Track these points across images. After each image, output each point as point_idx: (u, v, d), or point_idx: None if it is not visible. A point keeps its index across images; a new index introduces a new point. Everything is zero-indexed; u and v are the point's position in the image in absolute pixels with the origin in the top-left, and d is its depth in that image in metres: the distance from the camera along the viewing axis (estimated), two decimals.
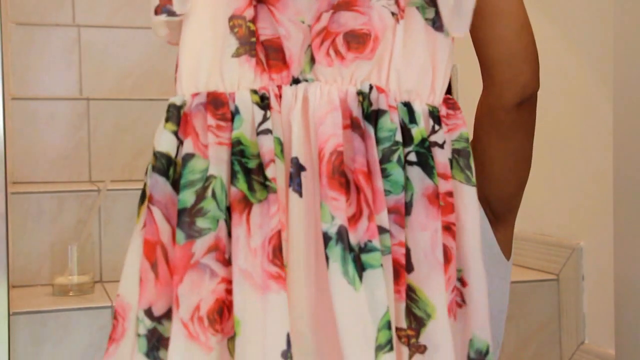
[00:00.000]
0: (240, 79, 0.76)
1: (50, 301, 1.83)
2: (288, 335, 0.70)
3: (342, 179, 0.72)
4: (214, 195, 0.73)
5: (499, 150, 1.06)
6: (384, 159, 0.73)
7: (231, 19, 0.77)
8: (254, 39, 0.77)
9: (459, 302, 0.77)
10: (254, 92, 0.76)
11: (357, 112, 0.74)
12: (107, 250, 2.02)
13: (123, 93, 2.51)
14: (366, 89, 0.74)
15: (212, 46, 0.76)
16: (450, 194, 0.75)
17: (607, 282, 1.71)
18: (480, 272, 0.75)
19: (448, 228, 0.74)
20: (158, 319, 0.73)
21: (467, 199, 0.75)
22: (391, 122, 0.73)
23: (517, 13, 0.96)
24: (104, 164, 2.31)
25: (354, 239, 0.71)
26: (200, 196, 0.72)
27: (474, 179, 0.75)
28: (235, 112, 0.75)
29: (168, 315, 0.72)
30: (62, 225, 1.99)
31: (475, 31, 0.97)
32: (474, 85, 1.03)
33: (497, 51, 0.97)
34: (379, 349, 0.69)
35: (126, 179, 2.29)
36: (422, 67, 0.74)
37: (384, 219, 0.72)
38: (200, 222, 0.72)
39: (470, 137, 1.13)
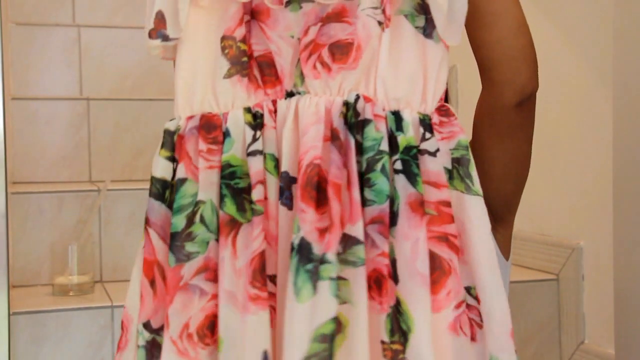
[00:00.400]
0: (234, 99, 0.78)
1: (50, 301, 1.83)
2: (265, 353, 0.72)
3: (313, 191, 0.72)
4: (202, 220, 0.75)
5: (498, 151, 1.07)
6: (369, 169, 0.72)
7: (222, 39, 0.78)
8: (245, 59, 0.78)
9: (478, 322, 0.75)
10: (248, 110, 0.78)
11: (337, 123, 0.74)
12: (107, 250, 2.02)
13: (123, 93, 2.51)
14: (352, 99, 0.74)
15: (205, 68, 0.77)
16: (446, 203, 0.73)
17: (607, 282, 1.71)
18: (495, 288, 0.72)
19: (443, 238, 0.73)
20: (156, 331, 0.78)
21: (470, 209, 0.73)
22: (376, 131, 0.73)
23: (514, 14, 0.96)
24: (104, 164, 2.31)
25: (319, 250, 0.71)
26: (190, 221, 0.75)
27: (475, 188, 0.74)
28: (226, 135, 0.76)
29: None
30: (62, 225, 1.99)
31: (473, 33, 0.97)
32: (474, 85, 1.03)
33: (495, 52, 0.97)
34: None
35: (126, 179, 2.29)
36: (412, 75, 0.74)
37: (358, 230, 0.71)
38: (189, 247, 0.75)
39: (469, 139, 1.13)
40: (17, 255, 1.95)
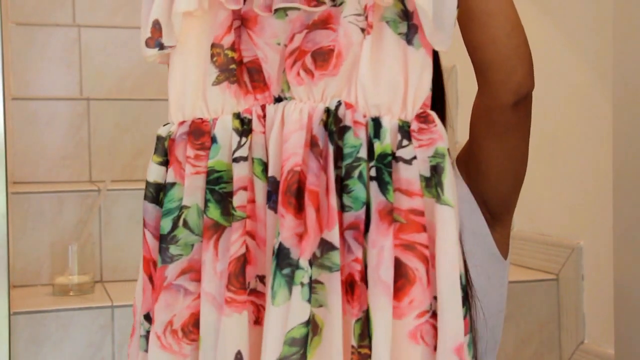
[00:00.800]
0: (224, 105, 0.80)
1: (50, 301, 1.83)
2: (239, 354, 0.77)
3: (293, 197, 0.74)
4: (185, 224, 0.79)
5: (495, 150, 1.07)
6: (347, 175, 0.73)
7: (212, 47, 0.80)
8: (233, 66, 0.80)
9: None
10: (237, 116, 0.80)
11: (317, 130, 0.75)
12: (107, 250, 2.02)
13: (123, 93, 2.51)
14: (334, 106, 0.75)
15: (195, 75, 0.79)
16: (417, 212, 0.73)
17: (607, 282, 1.71)
18: (452, 302, 0.71)
19: (411, 247, 0.72)
20: None
21: (438, 218, 0.72)
22: (355, 138, 0.73)
23: (507, 13, 0.95)
24: (104, 164, 2.31)
25: (296, 255, 0.74)
26: (175, 224, 0.79)
27: (445, 198, 0.72)
28: (213, 141, 0.79)
29: None
30: (62, 225, 1.99)
31: (466, 34, 0.97)
32: (474, 85, 1.03)
33: (489, 52, 0.97)
34: None
35: (126, 179, 2.29)
36: (392, 82, 0.74)
37: (334, 236, 0.72)
38: (173, 249, 0.79)
39: (465, 141, 1.14)
40: (17, 255, 1.95)
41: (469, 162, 1.13)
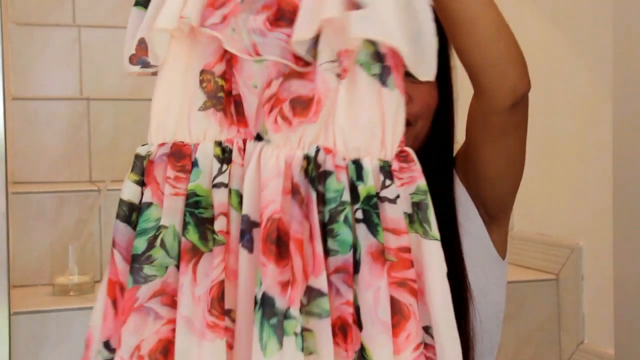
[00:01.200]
0: (206, 131, 0.80)
1: (50, 301, 1.83)
2: None
3: (273, 245, 0.74)
4: (162, 244, 0.78)
5: (492, 153, 1.07)
6: (332, 220, 0.74)
7: (201, 73, 0.80)
8: (221, 94, 0.80)
9: None
10: (218, 144, 0.80)
11: (298, 178, 0.75)
12: (107, 250, 2.02)
13: (123, 93, 2.51)
14: (312, 152, 0.75)
15: (181, 98, 0.79)
16: (405, 249, 0.74)
17: (607, 282, 1.71)
18: (448, 329, 0.74)
19: (403, 284, 0.74)
20: (115, 351, 0.80)
21: (427, 253, 0.74)
22: (338, 182, 0.74)
23: (491, 18, 0.95)
24: (104, 164, 2.31)
25: (282, 304, 0.73)
26: (151, 244, 0.78)
27: (433, 233, 0.74)
28: (194, 164, 0.79)
29: None
30: (62, 225, 1.99)
31: (452, 40, 0.98)
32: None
33: (477, 58, 0.96)
34: None
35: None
36: (370, 123, 0.74)
37: (322, 282, 0.73)
38: (147, 269, 0.77)
39: (462, 141, 1.14)
40: (18, 255, 1.95)
41: (465, 164, 1.13)
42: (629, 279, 1.52)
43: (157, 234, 0.78)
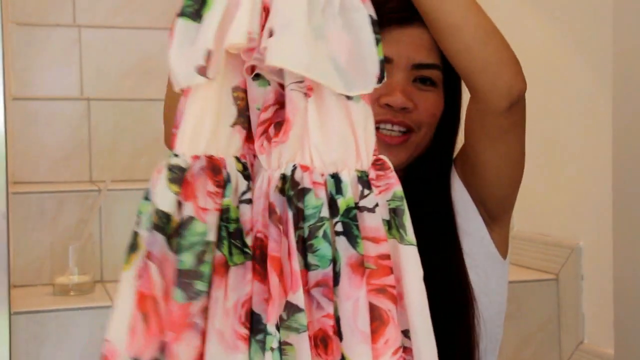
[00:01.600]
0: (231, 147, 0.81)
1: (50, 301, 1.83)
2: None
3: (257, 264, 0.77)
4: (209, 260, 0.78)
5: (491, 154, 1.07)
6: (311, 235, 0.76)
7: (234, 90, 0.81)
8: (248, 112, 0.82)
9: None
10: (237, 159, 0.82)
11: (273, 197, 0.78)
12: (108, 250, 2.02)
13: (123, 93, 2.51)
14: (289, 171, 0.77)
15: (216, 113, 0.80)
16: (384, 256, 0.76)
17: (606, 282, 1.71)
18: (425, 332, 0.76)
19: (382, 290, 0.76)
20: None
21: (404, 259, 0.76)
22: (316, 199, 0.76)
23: (476, 22, 0.95)
24: (104, 164, 2.31)
25: (266, 321, 0.76)
26: (200, 259, 0.77)
27: (408, 238, 0.77)
28: (227, 180, 0.80)
29: None
30: (62, 225, 1.99)
31: (440, 46, 0.98)
32: None
33: (466, 62, 0.97)
34: None
35: (126, 179, 2.29)
36: (342, 136, 0.77)
37: (299, 298, 0.75)
38: (199, 285, 0.77)
39: (458, 145, 1.14)
40: (18, 255, 1.95)
41: (465, 165, 1.13)
42: (629, 279, 1.53)
43: (204, 249, 0.77)
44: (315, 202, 0.76)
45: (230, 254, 0.78)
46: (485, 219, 1.13)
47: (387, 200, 0.77)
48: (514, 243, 2.10)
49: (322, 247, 0.75)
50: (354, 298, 0.75)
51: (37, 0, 2.57)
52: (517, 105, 1.00)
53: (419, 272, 0.77)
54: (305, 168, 0.77)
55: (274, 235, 0.77)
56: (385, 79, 0.77)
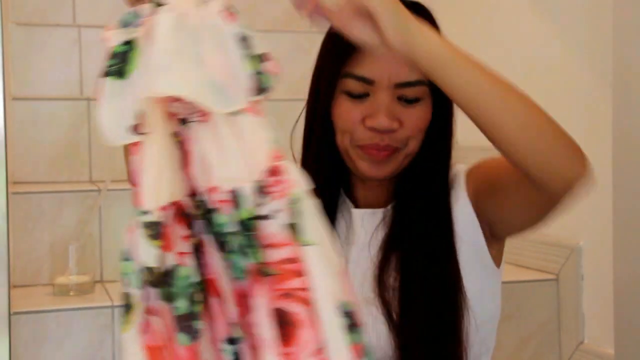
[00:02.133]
0: (183, 187, 0.83)
1: (50, 301, 1.83)
2: None
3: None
4: (200, 298, 0.82)
5: (521, 210, 1.08)
6: (230, 251, 0.80)
7: (175, 135, 0.83)
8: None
9: None
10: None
11: (197, 225, 0.82)
12: (107, 250, 2.02)
13: None
14: (203, 197, 0.81)
15: (169, 160, 0.82)
16: (288, 260, 0.78)
17: (607, 282, 1.71)
18: (333, 332, 0.77)
19: (289, 295, 0.78)
20: None
21: (306, 259, 0.78)
22: (225, 216, 0.79)
23: (523, 122, 0.93)
24: (104, 164, 2.31)
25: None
26: (192, 301, 0.81)
27: (307, 239, 0.79)
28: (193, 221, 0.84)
29: None
30: (62, 225, 1.99)
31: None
32: None
33: (518, 160, 0.95)
34: None
35: (126, 179, 2.29)
36: (234, 152, 0.80)
37: (232, 313, 0.80)
38: (198, 325, 0.81)
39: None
40: (18, 255, 1.95)
41: (481, 186, 1.11)
42: (629, 279, 1.52)
43: (193, 290, 0.81)
44: (224, 219, 0.79)
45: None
46: (486, 234, 1.12)
47: (288, 205, 0.79)
48: (514, 243, 2.09)
49: (236, 260, 0.79)
50: (258, 307, 0.78)
51: (37, 0, 2.56)
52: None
53: (323, 269, 0.78)
54: (212, 190, 0.80)
55: (205, 259, 0.81)
56: (267, 90, 0.81)
